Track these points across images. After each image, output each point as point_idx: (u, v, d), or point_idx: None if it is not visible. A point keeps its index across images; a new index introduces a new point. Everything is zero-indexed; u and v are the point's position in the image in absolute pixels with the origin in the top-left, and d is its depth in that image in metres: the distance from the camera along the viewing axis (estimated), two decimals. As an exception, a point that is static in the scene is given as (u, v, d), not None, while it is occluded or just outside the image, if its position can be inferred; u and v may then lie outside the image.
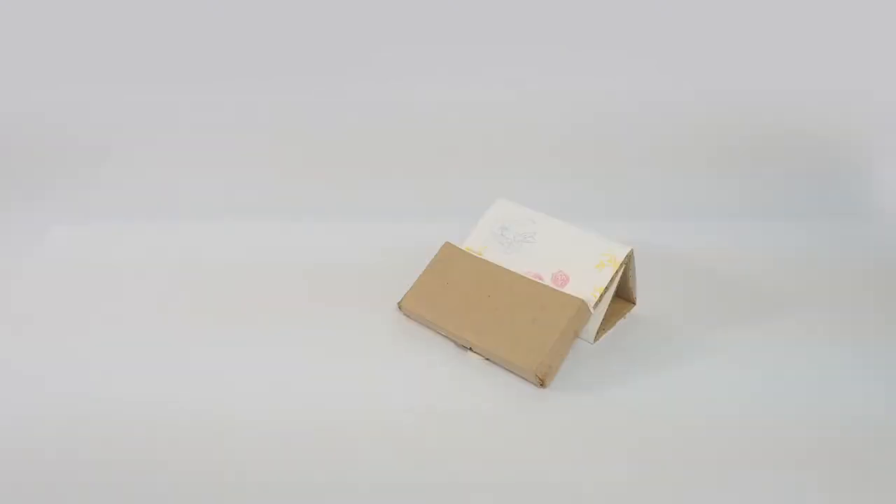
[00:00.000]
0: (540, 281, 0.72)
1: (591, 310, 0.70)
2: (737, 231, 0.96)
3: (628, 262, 0.73)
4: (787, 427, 0.65)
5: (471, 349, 0.71)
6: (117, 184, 1.03)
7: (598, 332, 0.74)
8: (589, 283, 0.71)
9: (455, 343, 0.73)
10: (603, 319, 0.73)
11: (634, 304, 0.79)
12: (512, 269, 0.74)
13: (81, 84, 1.06)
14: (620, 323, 0.77)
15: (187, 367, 0.71)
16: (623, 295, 0.79)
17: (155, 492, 0.58)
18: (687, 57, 1.06)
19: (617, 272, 0.71)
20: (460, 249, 0.77)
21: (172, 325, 0.77)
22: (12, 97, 1.06)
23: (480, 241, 0.78)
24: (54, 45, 1.04)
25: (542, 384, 0.67)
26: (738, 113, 1.08)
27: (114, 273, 0.85)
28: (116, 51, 1.04)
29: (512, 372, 0.69)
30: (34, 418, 0.65)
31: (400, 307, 0.77)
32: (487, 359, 0.71)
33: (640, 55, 1.06)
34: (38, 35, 1.03)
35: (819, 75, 1.07)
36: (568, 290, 0.71)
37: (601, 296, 0.71)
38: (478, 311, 0.72)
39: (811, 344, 0.75)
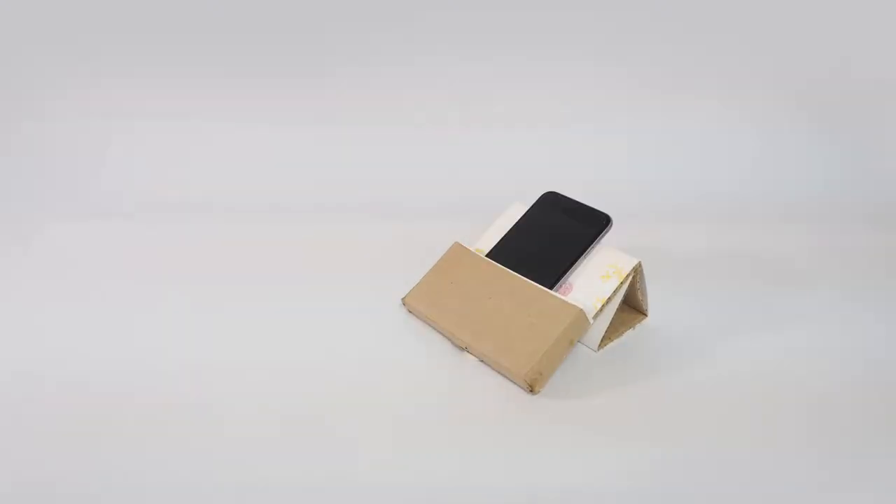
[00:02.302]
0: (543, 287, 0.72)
1: (591, 319, 0.70)
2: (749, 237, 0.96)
3: (635, 275, 0.72)
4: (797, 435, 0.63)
5: (466, 350, 0.73)
6: (116, 181, 1.06)
7: (602, 341, 0.74)
8: (592, 293, 0.71)
9: (452, 342, 0.74)
10: (610, 328, 0.73)
11: (646, 315, 0.79)
12: (517, 273, 0.74)
13: (81, 81, 1.08)
14: (629, 333, 0.77)
15: (189, 354, 0.72)
16: (634, 306, 0.78)
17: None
18: (688, 60, 1.07)
19: (622, 284, 0.71)
20: (468, 250, 0.79)
21: (175, 315, 0.79)
22: (12, 96, 1.10)
23: (491, 244, 0.79)
24: (54, 44, 1.07)
25: (531, 390, 0.68)
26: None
27: (112, 271, 0.87)
28: (116, 50, 1.07)
29: (503, 375, 0.70)
30: (32, 417, 0.65)
31: (403, 303, 0.80)
32: (482, 360, 0.72)
33: (643, 55, 1.06)
34: (36, 33, 1.06)
35: (820, 75, 1.06)
36: (570, 298, 0.71)
37: (602, 306, 0.70)
38: (477, 312, 0.73)
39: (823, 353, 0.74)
